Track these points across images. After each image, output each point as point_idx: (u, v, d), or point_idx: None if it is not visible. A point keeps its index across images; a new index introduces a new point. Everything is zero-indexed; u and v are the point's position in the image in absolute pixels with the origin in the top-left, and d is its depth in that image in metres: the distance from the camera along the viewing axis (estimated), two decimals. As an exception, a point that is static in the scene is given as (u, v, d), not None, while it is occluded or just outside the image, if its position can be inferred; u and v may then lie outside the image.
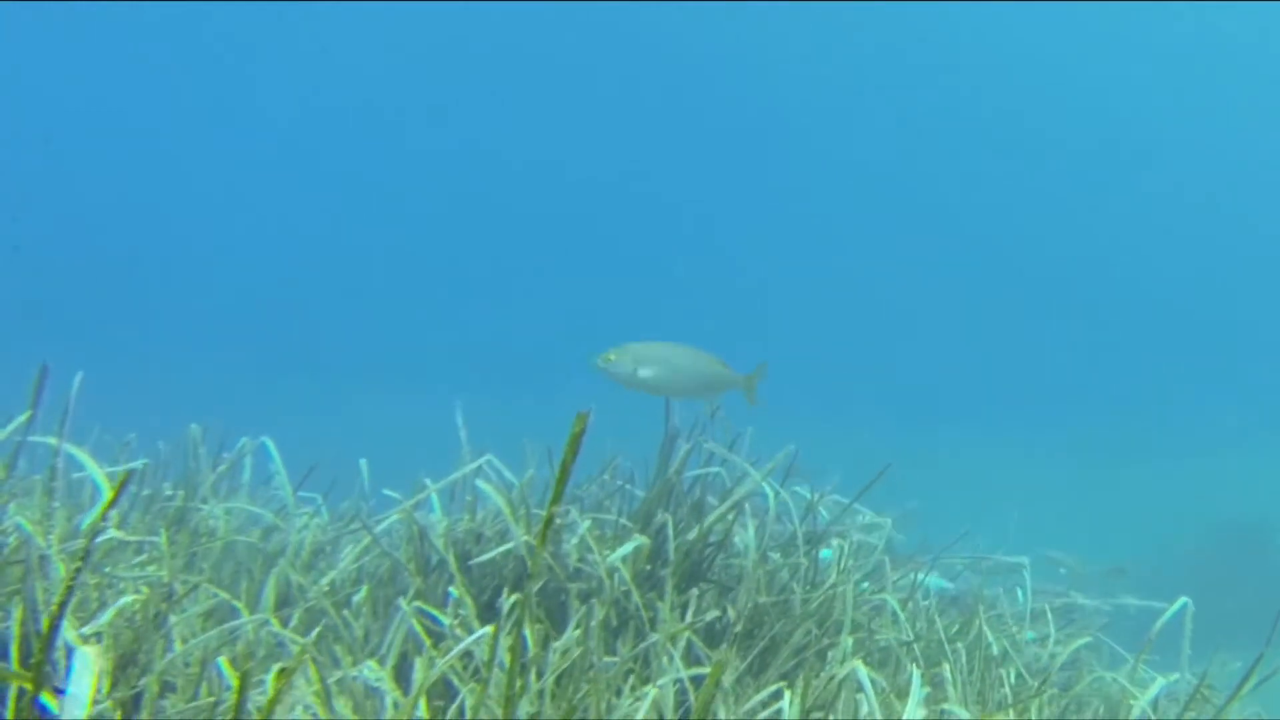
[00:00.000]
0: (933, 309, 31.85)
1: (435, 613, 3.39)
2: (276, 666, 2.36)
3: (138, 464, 3.78)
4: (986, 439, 21.82)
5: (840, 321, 30.68)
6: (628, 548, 3.22)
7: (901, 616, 3.56)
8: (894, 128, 36.01)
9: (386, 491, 3.69)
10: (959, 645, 3.95)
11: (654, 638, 3.06)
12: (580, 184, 35.29)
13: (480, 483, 3.50)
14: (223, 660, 2.71)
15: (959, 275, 33.52)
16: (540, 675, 3.24)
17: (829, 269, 33.63)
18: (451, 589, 3.44)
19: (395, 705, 3.19)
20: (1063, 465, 20.24)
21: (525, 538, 3.25)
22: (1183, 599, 3.87)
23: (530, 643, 3.23)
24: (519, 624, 3.32)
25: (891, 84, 35.46)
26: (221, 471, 3.98)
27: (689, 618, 3.36)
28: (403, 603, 3.34)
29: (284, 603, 3.90)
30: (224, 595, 3.41)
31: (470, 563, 3.46)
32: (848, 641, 3.50)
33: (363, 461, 4.10)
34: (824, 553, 3.51)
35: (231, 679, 2.96)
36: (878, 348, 29.64)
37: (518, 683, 2.86)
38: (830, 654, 3.30)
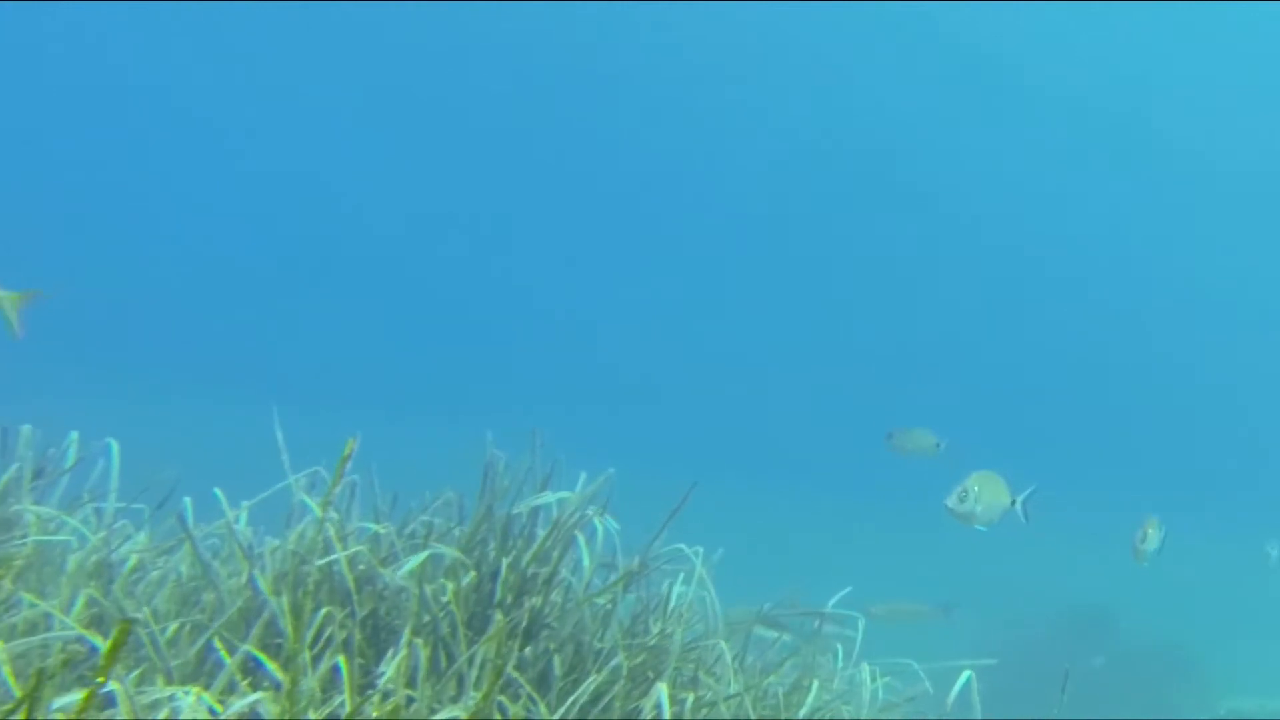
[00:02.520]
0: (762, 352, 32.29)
1: (261, 656, 3.32)
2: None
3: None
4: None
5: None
6: (416, 560, 3.21)
7: (729, 660, 3.60)
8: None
9: (215, 491, 3.61)
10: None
11: (473, 673, 3.04)
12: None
13: (305, 498, 3.45)
14: (3, 665, 2.61)
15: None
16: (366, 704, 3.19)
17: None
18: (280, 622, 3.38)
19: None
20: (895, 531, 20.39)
21: (342, 554, 3.21)
22: (967, 672, 4.02)
23: (344, 672, 3.19)
24: (338, 648, 3.28)
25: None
26: (37, 476, 3.83)
27: (513, 658, 3.35)
28: (215, 643, 3.27)
29: (95, 622, 3.77)
30: (30, 598, 3.30)
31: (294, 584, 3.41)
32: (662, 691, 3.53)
33: (187, 500, 3.96)
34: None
35: (15, 689, 2.84)
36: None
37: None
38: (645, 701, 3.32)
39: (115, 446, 3.87)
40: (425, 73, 34.90)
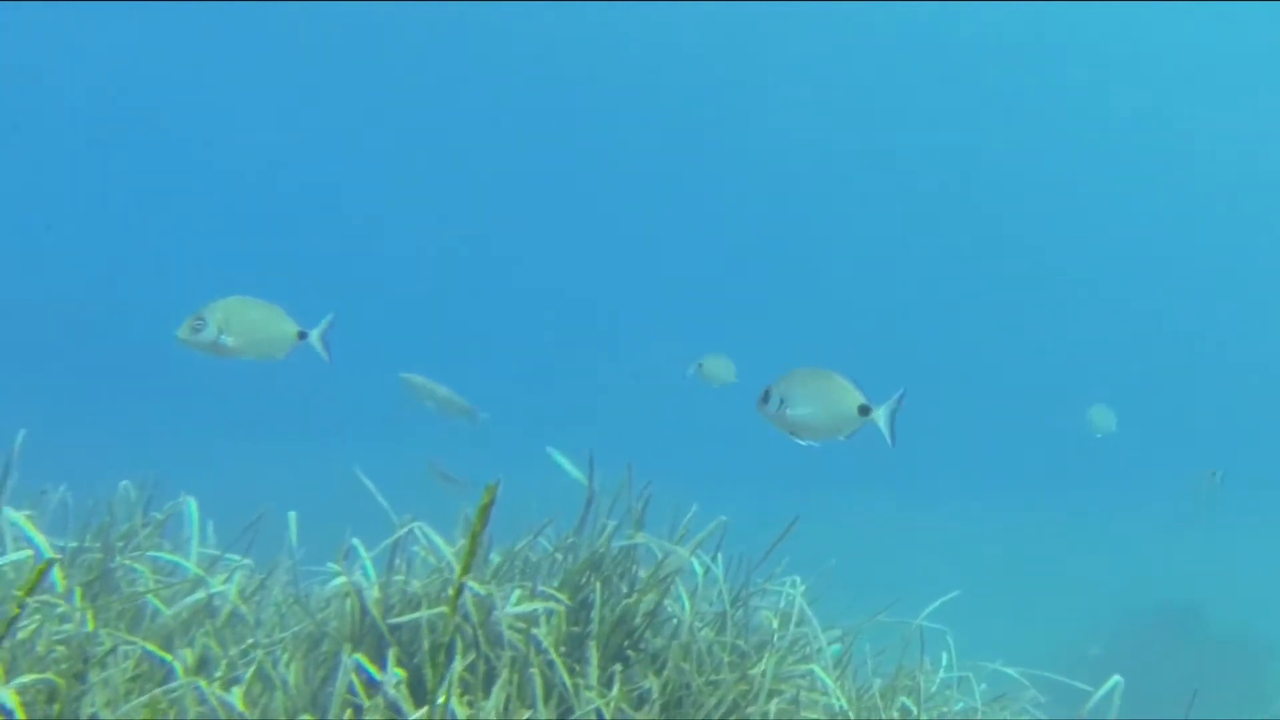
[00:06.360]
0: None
1: (372, 669, 3.49)
2: None
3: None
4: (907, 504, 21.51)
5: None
6: (530, 606, 3.36)
7: (830, 684, 3.71)
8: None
9: (330, 565, 3.77)
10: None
11: (588, 706, 3.20)
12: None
13: (436, 538, 3.59)
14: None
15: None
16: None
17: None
18: (392, 667, 3.53)
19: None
20: (983, 537, 20.13)
21: (446, 609, 3.37)
22: (1115, 678, 4.02)
23: (457, 711, 3.35)
24: (448, 687, 3.44)
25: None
26: (147, 533, 4.05)
27: (615, 689, 3.49)
28: (344, 653, 3.43)
29: (201, 664, 3.96)
30: (150, 648, 3.49)
31: (398, 629, 3.58)
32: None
33: (291, 515, 4.15)
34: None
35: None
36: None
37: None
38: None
39: (194, 506, 4.09)
40: (420, 80, 35.00)
